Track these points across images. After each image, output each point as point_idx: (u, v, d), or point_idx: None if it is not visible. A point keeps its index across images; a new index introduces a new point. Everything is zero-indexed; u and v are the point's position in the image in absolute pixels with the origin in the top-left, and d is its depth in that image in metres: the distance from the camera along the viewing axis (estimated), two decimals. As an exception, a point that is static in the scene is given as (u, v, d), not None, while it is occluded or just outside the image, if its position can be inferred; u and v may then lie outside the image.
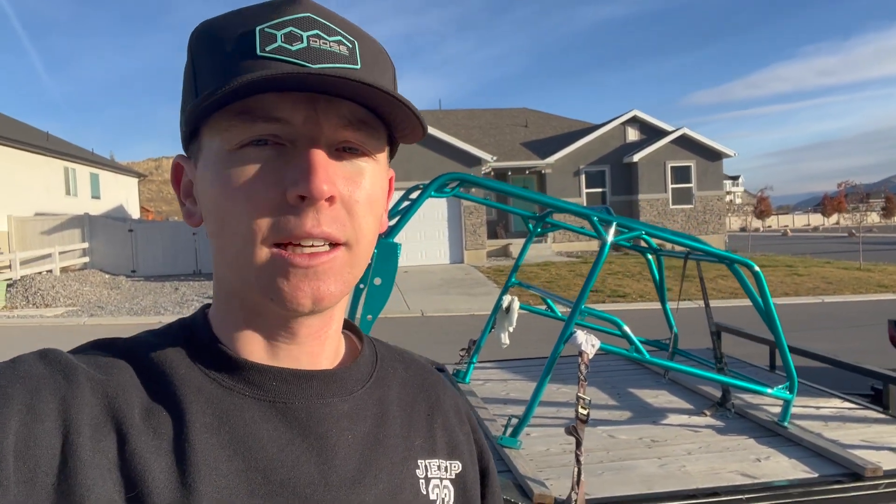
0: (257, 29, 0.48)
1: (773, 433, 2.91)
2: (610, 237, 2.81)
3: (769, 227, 48.82)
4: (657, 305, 4.13)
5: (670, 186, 21.12)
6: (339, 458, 0.52)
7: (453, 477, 0.60)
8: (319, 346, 0.56)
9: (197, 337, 0.55)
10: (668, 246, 4.39)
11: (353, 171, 0.51)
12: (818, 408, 3.28)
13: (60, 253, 16.42)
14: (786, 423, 2.90)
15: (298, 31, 0.48)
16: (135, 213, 27.71)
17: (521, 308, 3.94)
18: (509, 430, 2.81)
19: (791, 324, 9.60)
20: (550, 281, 13.99)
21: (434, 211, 17.77)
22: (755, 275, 2.96)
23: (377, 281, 2.69)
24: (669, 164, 21.01)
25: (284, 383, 0.53)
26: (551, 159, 20.85)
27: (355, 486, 0.52)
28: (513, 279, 4.04)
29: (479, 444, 0.67)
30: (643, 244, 3.81)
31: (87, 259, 17.69)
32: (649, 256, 3.94)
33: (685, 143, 21.02)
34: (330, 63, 0.48)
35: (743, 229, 30.87)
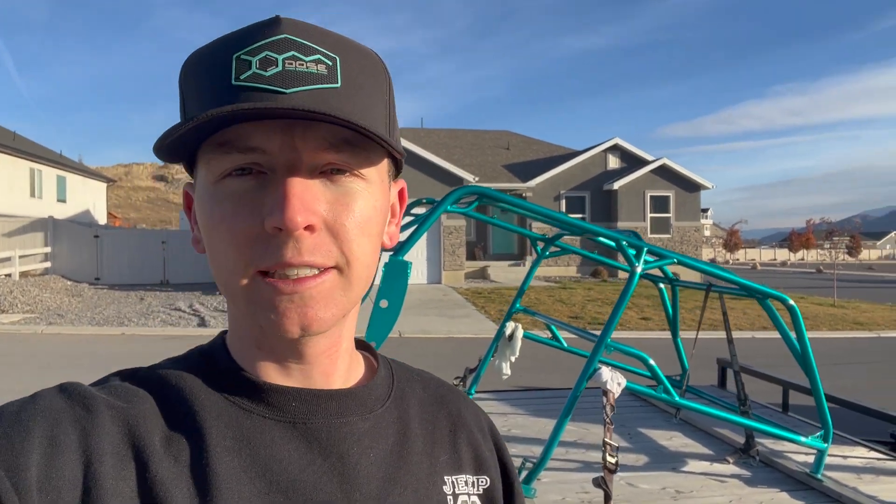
0: (233, 57, 0.47)
1: (807, 486, 2.67)
2: (640, 266, 2.57)
3: (737, 259, 49.64)
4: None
5: (649, 215, 21.22)
6: (362, 476, 0.51)
7: (481, 492, 0.58)
8: (332, 365, 0.55)
9: (215, 362, 0.54)
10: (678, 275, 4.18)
11: (340, 193, 0.49)
12: (845, 457, 3.06)
13: (21, 256, 15.72)
14: (819, 476, 2.67)
15: (273, 55, 0.47)
16: (102, 218, 26.87)
17: (524, 336, 3.68)
18: (523, 473, 2.52)
19: (771, 357, 9.55)
20: (529, 306, 13.73)
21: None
22: (791, 310, 2.75)
23: (383, 304, 2.40)
24: (649, 193, 21.13)
25: (303, 404, 0.52)
26: (532, 183, 20.81)
27: None
28: (517, 304, 3.78)
29: (503, 461, 0.65)
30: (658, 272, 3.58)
31: (48, 264, 16.97)
32: (662, 286, 3.71)
33: (665, 173, 21.18)
34: (305, 85, 0.47)
35: (713, 261, 31.42)
